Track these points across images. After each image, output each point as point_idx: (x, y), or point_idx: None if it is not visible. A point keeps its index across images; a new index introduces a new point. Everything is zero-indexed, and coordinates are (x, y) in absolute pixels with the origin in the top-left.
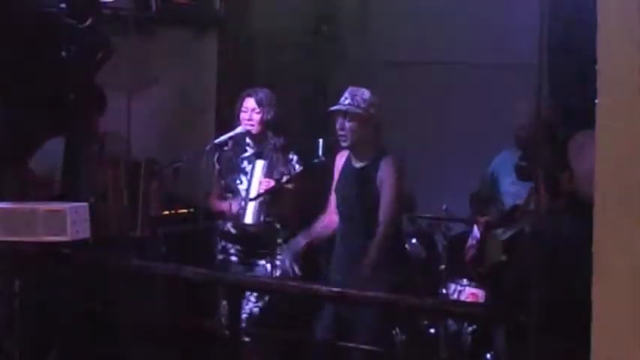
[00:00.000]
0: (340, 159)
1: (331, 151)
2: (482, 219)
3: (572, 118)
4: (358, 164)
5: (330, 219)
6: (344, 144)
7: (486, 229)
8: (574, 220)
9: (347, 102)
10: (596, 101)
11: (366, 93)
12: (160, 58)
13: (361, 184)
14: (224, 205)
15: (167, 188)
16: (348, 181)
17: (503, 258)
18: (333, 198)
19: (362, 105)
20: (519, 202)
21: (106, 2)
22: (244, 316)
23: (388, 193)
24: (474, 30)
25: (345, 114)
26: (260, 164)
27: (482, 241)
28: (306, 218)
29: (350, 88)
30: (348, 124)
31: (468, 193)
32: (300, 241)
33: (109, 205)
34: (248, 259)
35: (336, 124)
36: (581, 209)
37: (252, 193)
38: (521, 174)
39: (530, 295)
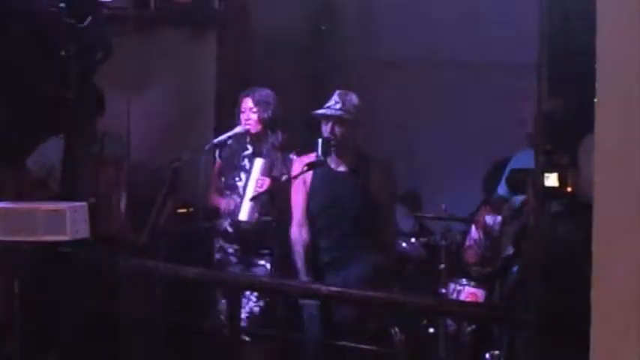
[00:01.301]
0: (300, 165)
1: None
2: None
3: (572, 118)
4: (340, 168)
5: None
6: (332, 149)
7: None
8: (575, 222)
9: (338, 107)
10: (595, 100)
11: (354, 98)
12: (159, 58)
13: (346, 188)
14: (221, 202)
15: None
16: (328, 186)
17: (511, 251)
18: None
19: (352, 110)
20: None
21: (105, 2)
22: (245, 315)
23: (388, 200)
24: (474, 30)
25: (336, 119)
26: (259, 162)
27: (493, 238)
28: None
29: (339, 92)
30: (338, 129)
31: (468, 193)
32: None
33: (110, 207)
34: (246, 259)
35: (322, 127)
36: (582, 211)
37: (249, 192)
38: (512, 185)
39: (531, 294)
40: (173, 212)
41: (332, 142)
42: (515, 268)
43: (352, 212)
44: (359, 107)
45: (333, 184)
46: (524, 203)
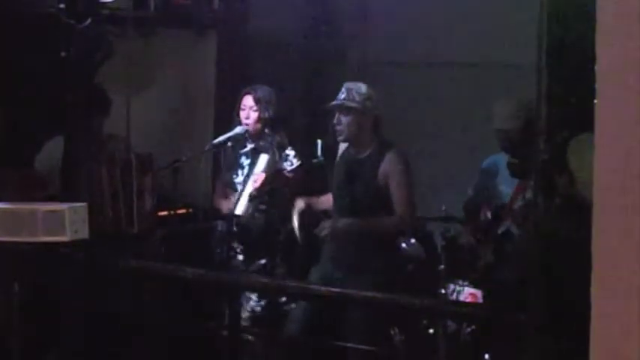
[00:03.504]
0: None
1: (331, 151)
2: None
3: (570, 119)
4: (359, 155)
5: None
6: (339, 138)
7: (478, 232)
8: (572, 222)
9: (342, 97)
10: (595, 101)
11: (362, 87)
12: (159, 58)
13: (359, 174)
14: (225, 204)
15: (166, 188)
16: (345, 171)
17: (492, 258)
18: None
19: (357, 99)
20: (506, 201)
21: (105, 2)
22: (246, 314)
23: (401, 186)
24: (474, 30)
25: (340, 108)
26: (264, 158)
27: (473, 245)
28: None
29: (347, 84)
30: (343, 119)
31: (468, 193)
32: (299, 202)
33: (105, 204)
34: (249, 257)
35: (334, 120)
36: (580, 212)
37: (247, 187)
38: (514, 171)
39: (526, 295)
40: (155, 195)
41: (337, 133)
42: (497, 276)
43: (351, 200)
44: (367, 95)
45: (347, 169)
46: (499, 209)
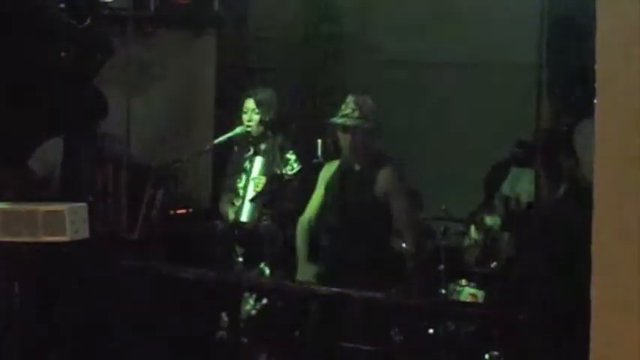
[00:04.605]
0: (328, 170)
1: (330, 151)
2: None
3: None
4: (357, 167)
5: None
6: (353, 156)
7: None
8: (578, 207)
9: (356, 114)
10: (595, 101)
11: (369, 101)
12: (159, 58)
13: (357, 187)
14: (229, 211)
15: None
16: (341, 182)
17: (513, 254)
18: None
19: (370, 117)
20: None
21: (105, 2)
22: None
23: (404, 209)
24: (474, 30)
25: (356, 129)
26: (258, 161)
27: (493, 240)
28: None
29: (354, 98)
30: (358, 138)
31: (468, 194)
32: None
33: (108, 206)
34: (248, 261)
35: (339, 134)
36: (586, 196)
37: (249, 192)
38: (518, 161)
39: (527, 295)
40: (166, 210)
41: (350, 153)
42: (516, 269)
43: (360, 208)
44: (375, 110)
45: (345, 181)
46: (525, 209)
